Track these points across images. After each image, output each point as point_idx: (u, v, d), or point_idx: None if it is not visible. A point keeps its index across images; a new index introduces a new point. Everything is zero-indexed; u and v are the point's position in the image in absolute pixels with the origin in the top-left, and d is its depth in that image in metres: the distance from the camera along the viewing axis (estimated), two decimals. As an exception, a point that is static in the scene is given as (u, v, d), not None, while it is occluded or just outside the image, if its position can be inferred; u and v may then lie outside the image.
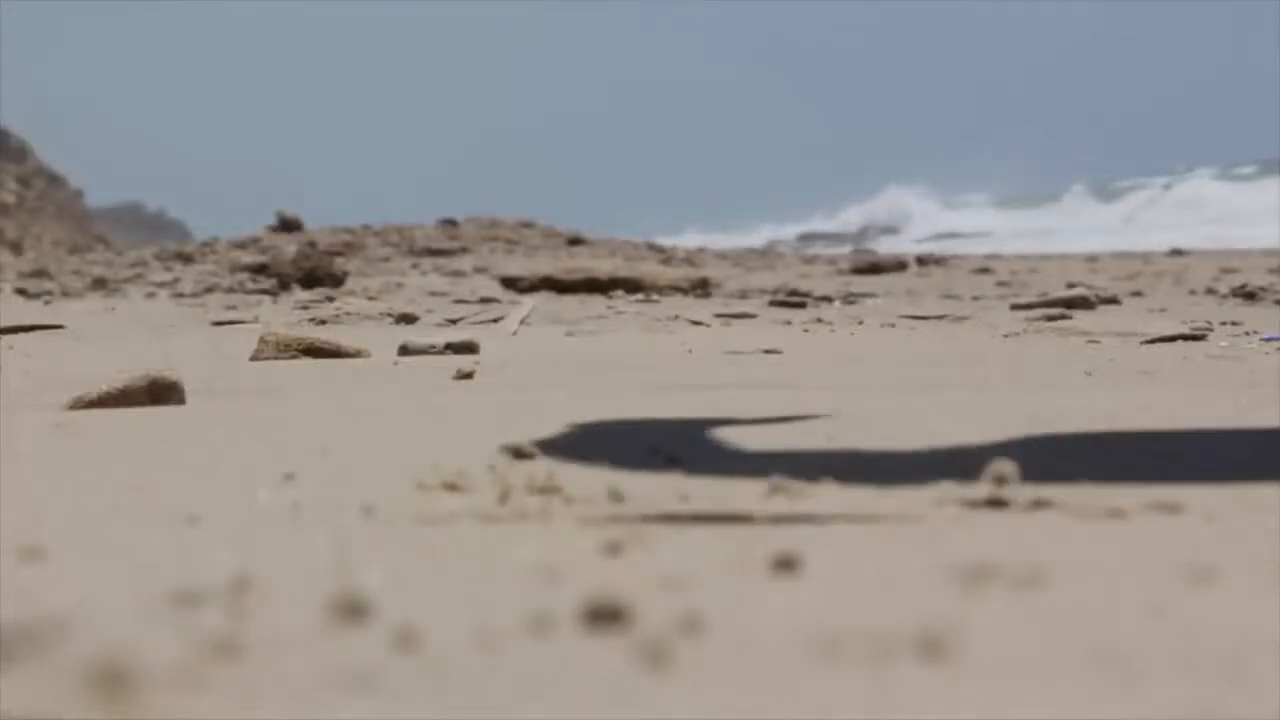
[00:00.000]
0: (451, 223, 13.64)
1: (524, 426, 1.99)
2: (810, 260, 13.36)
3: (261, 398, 2.53)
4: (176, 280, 8.88)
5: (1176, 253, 13.43)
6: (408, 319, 5.05)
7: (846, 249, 26.38)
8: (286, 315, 5.35)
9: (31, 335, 4.48)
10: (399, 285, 8.24)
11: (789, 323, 4.75)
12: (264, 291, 7.12)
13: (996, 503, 1.48)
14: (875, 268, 10.11)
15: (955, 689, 0.90)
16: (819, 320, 4.87)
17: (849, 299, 6.40)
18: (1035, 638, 1.01)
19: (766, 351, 3.38)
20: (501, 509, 1.47)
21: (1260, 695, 0.89)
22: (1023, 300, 5.73)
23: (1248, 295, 6.39)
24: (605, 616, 1.03)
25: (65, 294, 7.67)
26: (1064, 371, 3.01)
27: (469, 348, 3.46)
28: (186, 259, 11.25)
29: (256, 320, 5.14)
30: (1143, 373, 2.99)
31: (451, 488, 1.57)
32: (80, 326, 4.81)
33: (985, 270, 10.13)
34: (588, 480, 1.60)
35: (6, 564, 1.24)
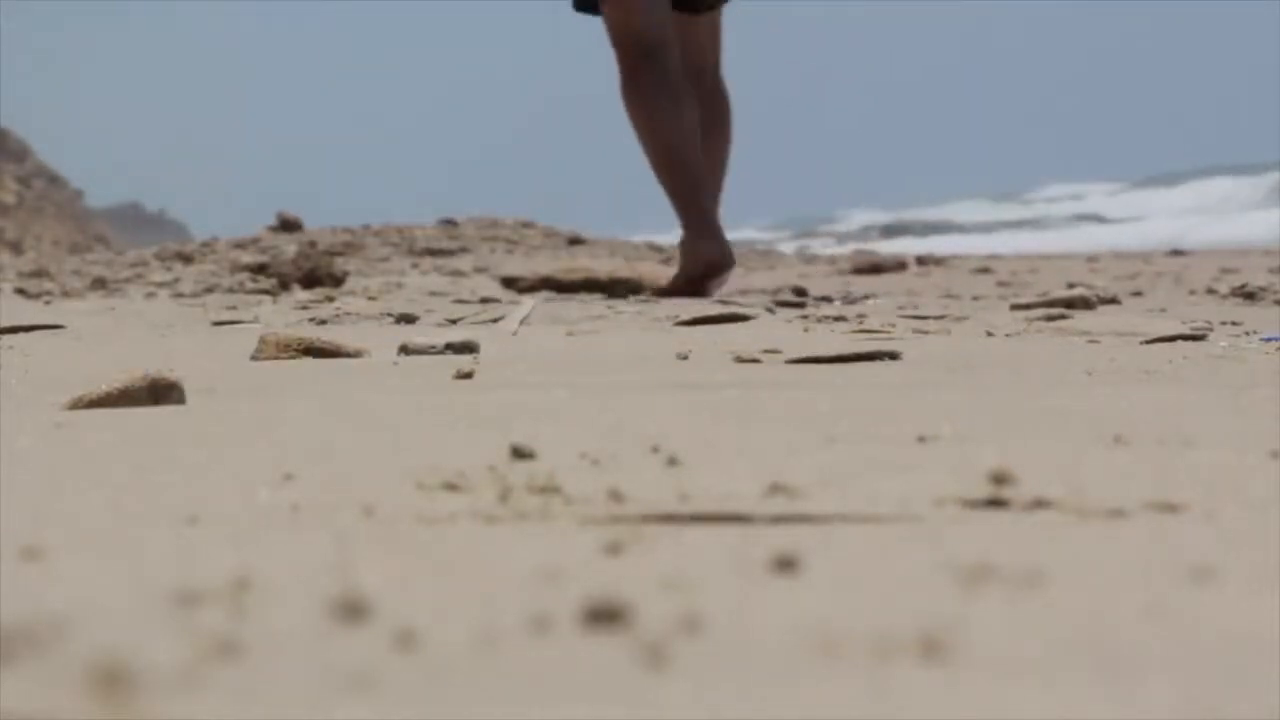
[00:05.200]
0: (451, 223, 13.63)
1: (524, 426, 1.99)
2: (810, 260, 13.36)
3: (261, 398, 2.54)
4: (176, 280, 8.87)
5: (1176, 253, 13.43)
6: (408, 319, 5.04)
7: (847, 248, 26.37)
8: (286, 315, 5.35)
9: (31, 335, 4.47)
10: (399, 285, 8.24)
11: (789, 322, 4.76)
12: (264, 291, 7.11)
13: (996, 503, 1.49)
14: (875, 268, 10.10)
15: (955, 689, 0.90)
16: (820, 320, 4.87)
17: (849, 299, 6.40)
18: (1035, 638, 1.01)
19: (766, 351, 3.38)
20: (501, 509, 1.47)
21: (1260, 695, 0.89)
22: (1023, 300, 5.73)
23: (1248, 295, 6.39)
24: (605, 616, 1.03)
25: (65, 294, 7.66)
26: (1064, 371, 3.01)
27: (469, 348, 3.46)
28: (186, 259, 11.25)
29: (256, 320, 5.13)
30: (1143, 373, 2.99)
31: (451, 488, 1.57)
32: (80, 326, 4.81)
33: (985, 270, 10.13)
34: (588, 480, 1.60)
35: (6, 564, 1.24)
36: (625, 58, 6.70)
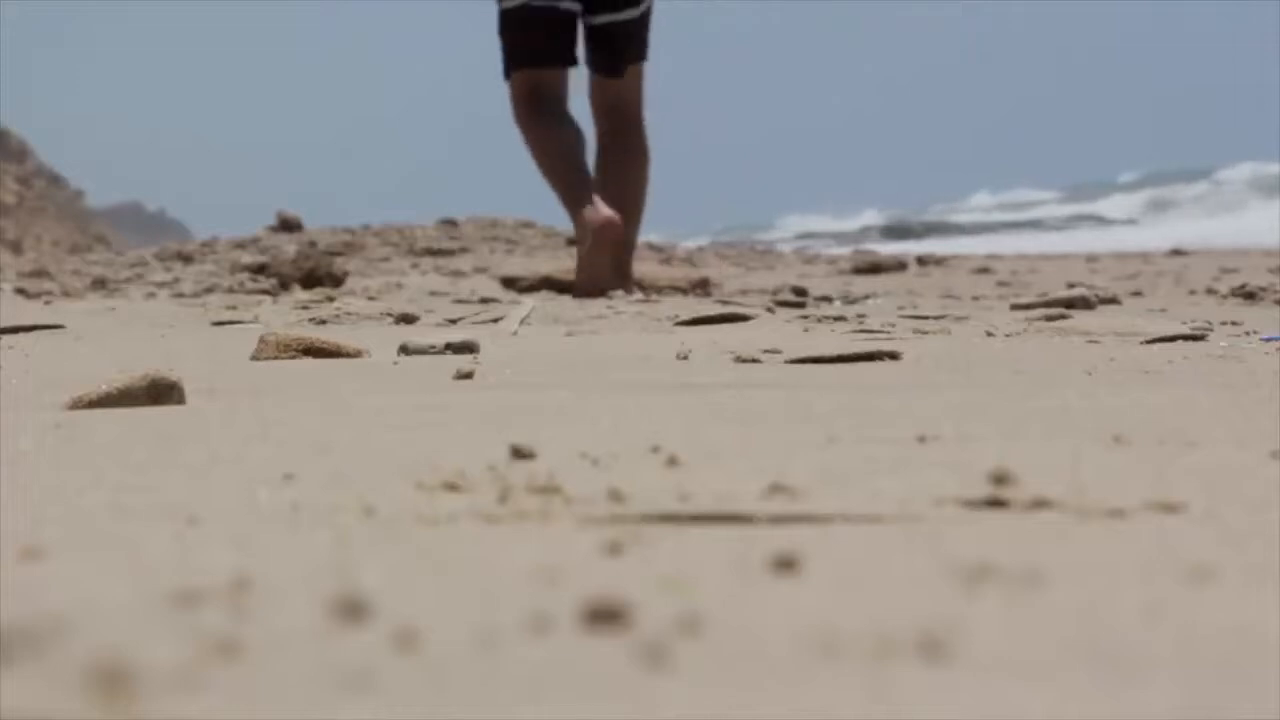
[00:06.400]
0: (451, 223, 13.63)
1: (524, 426, 1.99)
2: (810, 260, 13.36)
3: (261, 398, 2.54)
4: (176, 280, 8.88)
5: (1176, 253, 13.43)
6: (408, 319, 5.05)
7: (847, 249, 26.35)
8: (286, 315, 5.35)
9: (31, 335, 4.48)
10: (399, 285, 8.24)
11: (789, 322, 4.76)
12: (264, 291, 7.12)
13: (996, 503, 1.49)
14: (875, 267, 10.11)
15: (955, 689, 0.90)
16: (820, 320, 4.87)
17: (849, 299, 6.40)
18: (1035, 638, 1.01)
19: (766, 351, 3.38)
20: (501, 509, 1.47)
21: (1260, 695, 0.89)
22: (1023, 300, 5.73)
23: (1248, 295, 6.39)
24: (605, 616, 1.03)
25: (65, 294, 7.66)
26: (1064, 371, 3.01)
27: (469, 348, 3.46)
28: (186, 259, 11.25)
29: (256, 320, 5.13)
30: (1143, 373, 2.99)
31: (451, 488, 1.57)
32: (80, 326, 4.81)
33: (985, 270, 10.13)
34: (588, 480, 1.60)
35: (6, 564, 1.24)
36: (515, 97, 7.40)
